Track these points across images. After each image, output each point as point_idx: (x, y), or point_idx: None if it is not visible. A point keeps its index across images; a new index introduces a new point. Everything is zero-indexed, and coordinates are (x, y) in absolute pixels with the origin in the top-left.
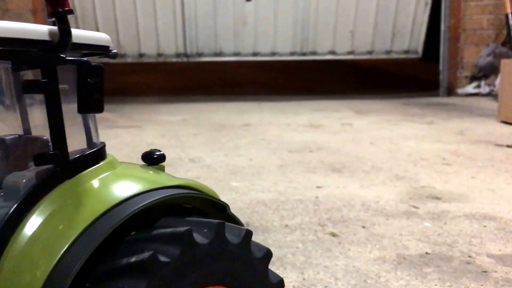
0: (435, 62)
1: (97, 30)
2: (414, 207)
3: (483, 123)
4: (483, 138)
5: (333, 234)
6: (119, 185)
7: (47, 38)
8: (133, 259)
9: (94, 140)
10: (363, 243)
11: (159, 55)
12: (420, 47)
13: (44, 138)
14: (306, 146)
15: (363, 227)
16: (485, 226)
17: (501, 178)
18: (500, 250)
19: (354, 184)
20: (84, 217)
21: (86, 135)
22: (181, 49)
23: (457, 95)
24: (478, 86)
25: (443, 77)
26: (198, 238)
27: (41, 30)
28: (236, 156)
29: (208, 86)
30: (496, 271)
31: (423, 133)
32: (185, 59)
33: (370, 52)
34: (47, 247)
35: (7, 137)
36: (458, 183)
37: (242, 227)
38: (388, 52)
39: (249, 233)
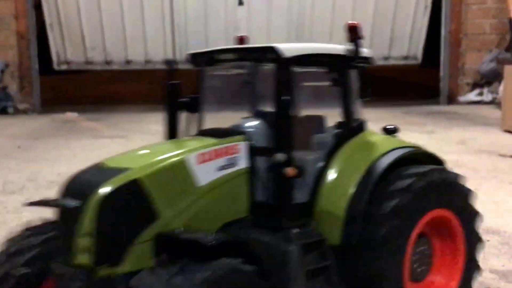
0: (435, 68)
1: (82, 36)
2: None
3: (486, 132)
4: (486, 148)
5: None
6: (383, 143)
7: (344, 53)
8: (400, 185)
9: (358, 117)
10: None
11: (147, 62)
12: (419, 53)
13: (319, 115)
14: None
15: None
16: (488, 240)
17: (505, 190)
18: (503, 266)
19: None
20: (369, 158)
21: (351, 114)
22: (170, 56)
23: (459, 103)
24: (481, 94)
25: (444, 84)
26: (439, 174)
27: (341, 48)
28: None
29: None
30: None
31: (423, 142)
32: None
33: None
34: (350, 176)
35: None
36: None
37: (455, 173)
38: (386, 58)
39: (461, 176)
